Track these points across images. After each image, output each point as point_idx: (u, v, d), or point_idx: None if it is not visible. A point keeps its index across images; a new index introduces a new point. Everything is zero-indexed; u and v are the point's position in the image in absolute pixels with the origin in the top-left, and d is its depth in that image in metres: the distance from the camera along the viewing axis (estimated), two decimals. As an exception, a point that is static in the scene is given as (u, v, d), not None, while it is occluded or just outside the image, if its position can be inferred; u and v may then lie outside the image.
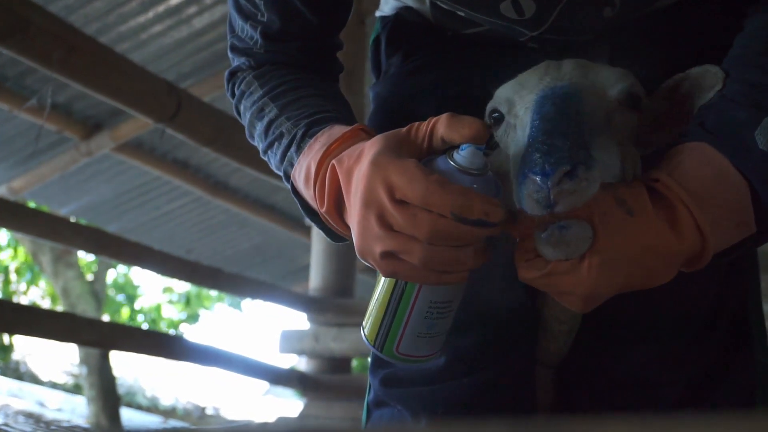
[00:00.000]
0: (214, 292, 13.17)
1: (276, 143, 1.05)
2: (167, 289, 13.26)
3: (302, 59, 1.16)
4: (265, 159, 1.11)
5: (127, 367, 11.55)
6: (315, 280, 4.99)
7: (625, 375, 1.05)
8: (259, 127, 1.09)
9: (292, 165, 1.02)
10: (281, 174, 1.07)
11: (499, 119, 0.92)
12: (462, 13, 1.12)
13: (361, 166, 0.83)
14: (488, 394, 1.06)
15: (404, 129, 0.86)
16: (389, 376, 1.14)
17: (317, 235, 5.09)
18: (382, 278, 0.91)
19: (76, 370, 10.43)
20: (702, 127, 0.89)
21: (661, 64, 1.11)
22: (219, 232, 8.31)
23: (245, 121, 1.13)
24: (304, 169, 0.97)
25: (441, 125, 0.84)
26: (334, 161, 0.89)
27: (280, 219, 7.98)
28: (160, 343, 4.17)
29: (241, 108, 1.15)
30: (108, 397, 7.45)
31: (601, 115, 0.85)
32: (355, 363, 5.90)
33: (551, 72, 0.89)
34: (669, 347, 1.03)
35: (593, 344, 1.05)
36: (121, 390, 9.00)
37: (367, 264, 0.87)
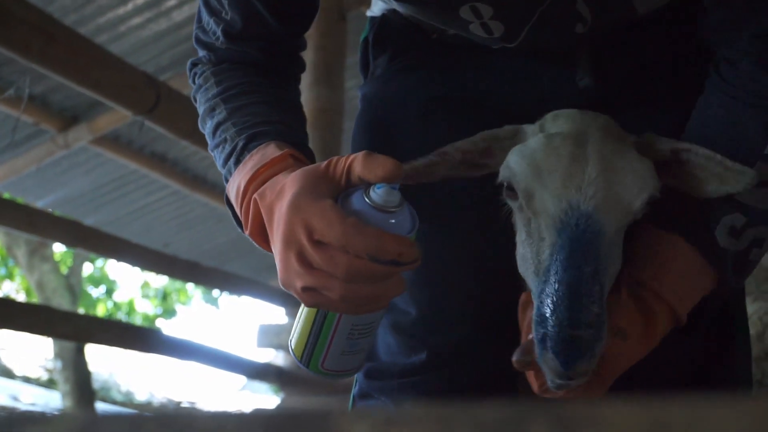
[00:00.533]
0: (191, 287, 13.11)
1: (221, 146, 1.08)
2: (144, 284, 13.18)
3: (262, 60, 1.17)
4: (213, 155, 1.13)
5: (102, 361, 11.47)
6: (293, 274, 4.96)
7: None
8: (209, 125, 1.12)
9: (230, 174, 1.05)
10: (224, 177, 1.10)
11: (513, 193, 0.93)
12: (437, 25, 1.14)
13: (281, 204, 0.87)
14: (470, 385, 1.07)
15: (323, 165, 0.89)
16: (373, 368, 1.16)
17: (296, 230, 5.07)
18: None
19: (50, 365, 10.33)
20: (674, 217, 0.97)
21: (642, 71, 1.13)
22: (196, 226, 8.26)
23: (200, 112, 1.16)
24: (235, 185, 1.00)
25: (357, 164, 0.86)
26: (256, 195, 0.93)
27: (258, 214, 7.95)
28: (137, 336, 4.15)
29: (197, 100, 1.18)
30: (83, 391, 7.39)
31: (617, 235, 0.88)
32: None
33: (576, 173, 0.87)
34: None
35: None
36: (95, 385, 8.93)
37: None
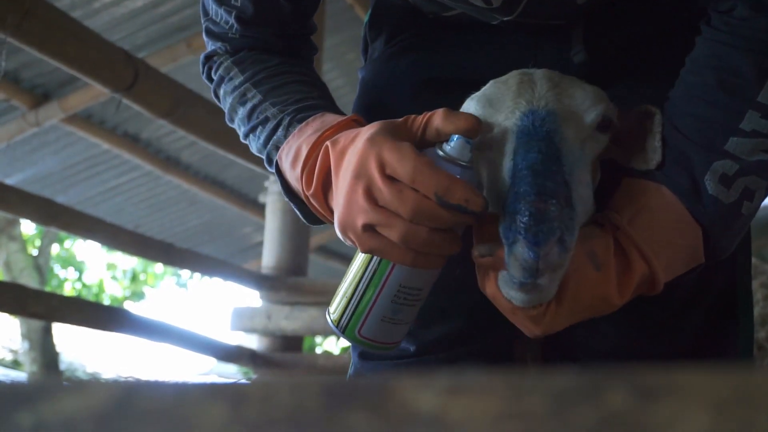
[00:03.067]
0: (159, 269, 13.00)
1: (260, 127, 1.07)
2: (111, 266, 13.04)
3: (278, 44, 1.17)
4: (245, 142, 1.13)
5: (68, 342, 11.36)
6: (268, 258, 4.96)
7: (606, 346, 1.06)
8: (242, 111, 1.10)
9: (277, 148, 1.03)
10: (263, 157, 1.09)
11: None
12: None
13: (356, 144, 0.86)
14: (466, 365, 1.08)
15: (401, 119, 0.89)
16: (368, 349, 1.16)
17: (271, 214, 5.06)
18: (356, 260, 0.93)
19: (15, 346, 10.21)
20: (660, 167, 0.94)
21: (633, 46, 1.13)
22: (168, 208, 8.19)
23: (226, 105, 1.15)
24: (293, 150, 0.99)
25: (437, 117, 0.87)
26: (328, 142, 0.92)
27: (230, 196, 7.91)
28: (109, 316, 4.10)
29: (221, 93, 1.16)
30: (49, 372, 7.32)
31: (577, 147, 0.86)
32: (305, 342, 5.89)
33: (525, 92, 0.89)
34: (651, 320, 1.05)
35: None
36: (61, 366, 8.84)
37: (346, 241, 0.90)
